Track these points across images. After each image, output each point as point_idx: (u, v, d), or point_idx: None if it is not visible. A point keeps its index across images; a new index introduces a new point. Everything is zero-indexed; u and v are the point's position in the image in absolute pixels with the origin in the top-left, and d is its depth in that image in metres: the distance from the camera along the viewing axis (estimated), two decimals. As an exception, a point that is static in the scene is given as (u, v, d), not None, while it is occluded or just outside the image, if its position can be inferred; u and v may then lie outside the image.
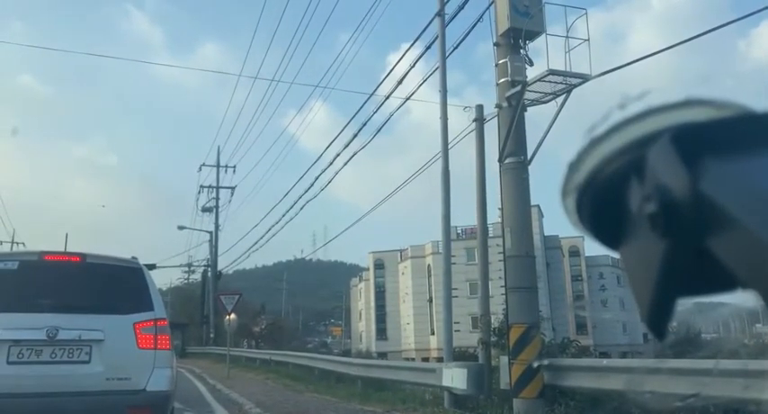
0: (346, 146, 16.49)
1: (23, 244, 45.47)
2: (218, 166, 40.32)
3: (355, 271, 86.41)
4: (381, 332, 63.27)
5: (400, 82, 13.17)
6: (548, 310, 39.25)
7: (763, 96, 0.50)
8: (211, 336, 37.43)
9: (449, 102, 10.62)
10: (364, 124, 15.68)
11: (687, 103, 0.51)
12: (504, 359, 8.04)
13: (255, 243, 33.63)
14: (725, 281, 0.47)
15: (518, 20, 8.51)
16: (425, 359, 44.43)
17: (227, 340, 20.45)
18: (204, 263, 43.47)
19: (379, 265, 65.30)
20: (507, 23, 8.54)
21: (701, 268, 0.48)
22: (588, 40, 8.73)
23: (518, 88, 8.38)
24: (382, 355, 51.38)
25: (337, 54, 32.45)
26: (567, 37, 8.79)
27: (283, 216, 25.01)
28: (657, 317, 0.52)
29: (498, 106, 8.75)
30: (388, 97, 13.89)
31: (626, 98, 0.54)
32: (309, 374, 16.40)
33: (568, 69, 8.59)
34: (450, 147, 10.62)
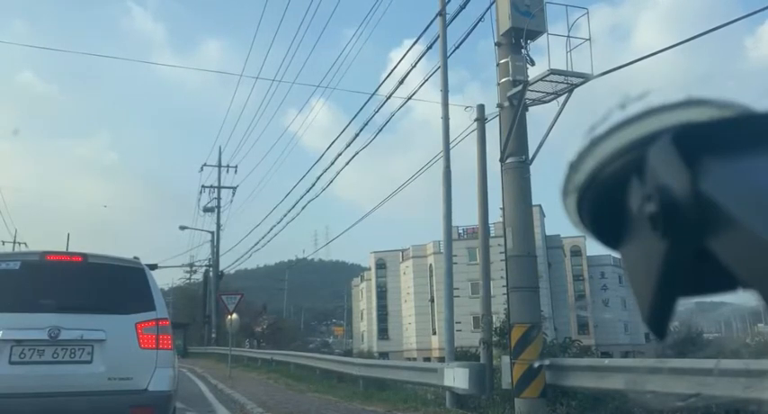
0: (348, 145, 16.50)
1: (25, 244, 45.63)
2: (219, 166, 40.38)
3: (357, 271, 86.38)
4: (383, 332, 63.28)
5: (401, 82, 13.17)
6: (549, 309, 39.25)
7: (766, 96, 0.50)
8: (213, 336, 37.46)
9: (451, 100, 10.64)
10: (365, 124, 15.70)
11: (688, 103, 0.51)
12: (506, 359, 8.04)
13: (257, 243, 33.67)
14: (725, 281, 0.47)
15: (519, 19, 8.50)
16: (427, 359, 44.42)
17: (229, 340, 20.47)
18: (206, 263, 43.59)
19: (380, 265, 65.31)
20: (508, 23, 8.53)
21: (702, 268, 0.48)
22: (590, 39, 8.72)
23: (519, 88, 8.37)
24: (384, 355, 51.41)
25: (340, 52, 32.69)
26: (568, 37, 8.78)
27: (285, 216, 25.07)
28: (658, 317, 0.52)
29: (500, 106, 8.75)
30: (389, 97, 13.89)
31: (626, 98, 0.54)
32: (311, 374, 16.41)
33: (570, 69, 8.58)
34: (451, 146, 10.63)
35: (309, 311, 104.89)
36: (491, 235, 10.92)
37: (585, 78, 8.46)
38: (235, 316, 19.38)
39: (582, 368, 7.39)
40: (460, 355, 11.34)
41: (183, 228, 41.83)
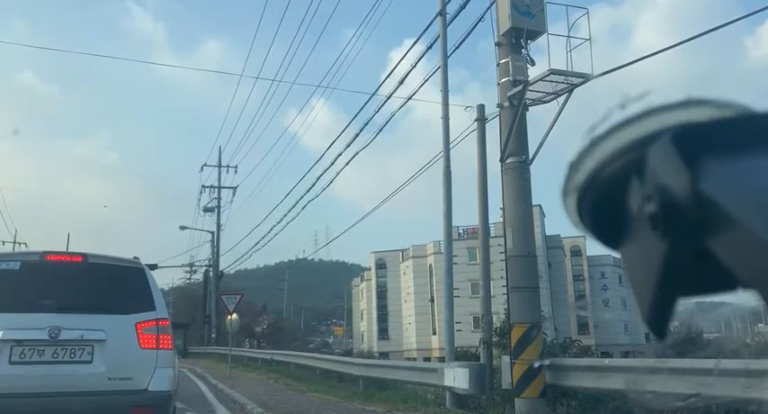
0: (348, 145, 16.49)
1: (26, 244, 45.63)
2: (219, 166, 40.39)
3: (357, 271, 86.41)
4: (383, 332, 63.30)
5: (401, 82, 13.16)
6: (549, 309, 39.23)
7: (766, 96, 0.50)
8: (213, 336, 37.47)
9: (451, 100, 10.65)
10: (366, 124, 15.68)
11: (688, 103, 0.51)
12: (506, 359, 8.04)
13: (257, 243, 33.69)
14: (725, 281, 0.47)
15: (519, 19, 8.50)
16: (427, 359, 44.42)
17: (229, 340, 20.48)
18: (206, 263, 43.61)
19: (380, 265, 65.31)
20: (509, 23, 8.53)
21: (702, 268, 0.48)
22: (590, 39, 8.72)
23: (519, 88, 8.37)
24: (384, 355, 51.41)
25: (340, 52, 32.73)
26: (568, 37, 8.78)
27: (285, 216, 25.09)
28: (658, 317, 0.52)
29: (500, 106, 8.75)
30: (389, 97, 13.89)
31: (626, 98, 0.54)
32: (311, 374, 16.40)
33: (570, 69, 8.58)
34: (451, 146, 10.63)
35: (309, 311, 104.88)
36: (491, 235, 10.93)
37: (585, 78, 8.46)
38: (235, 316, 19.38)
39: (582, 368, 7.39)
40: (460, 355, 11.33)
41: (183, 228, 41.89)
